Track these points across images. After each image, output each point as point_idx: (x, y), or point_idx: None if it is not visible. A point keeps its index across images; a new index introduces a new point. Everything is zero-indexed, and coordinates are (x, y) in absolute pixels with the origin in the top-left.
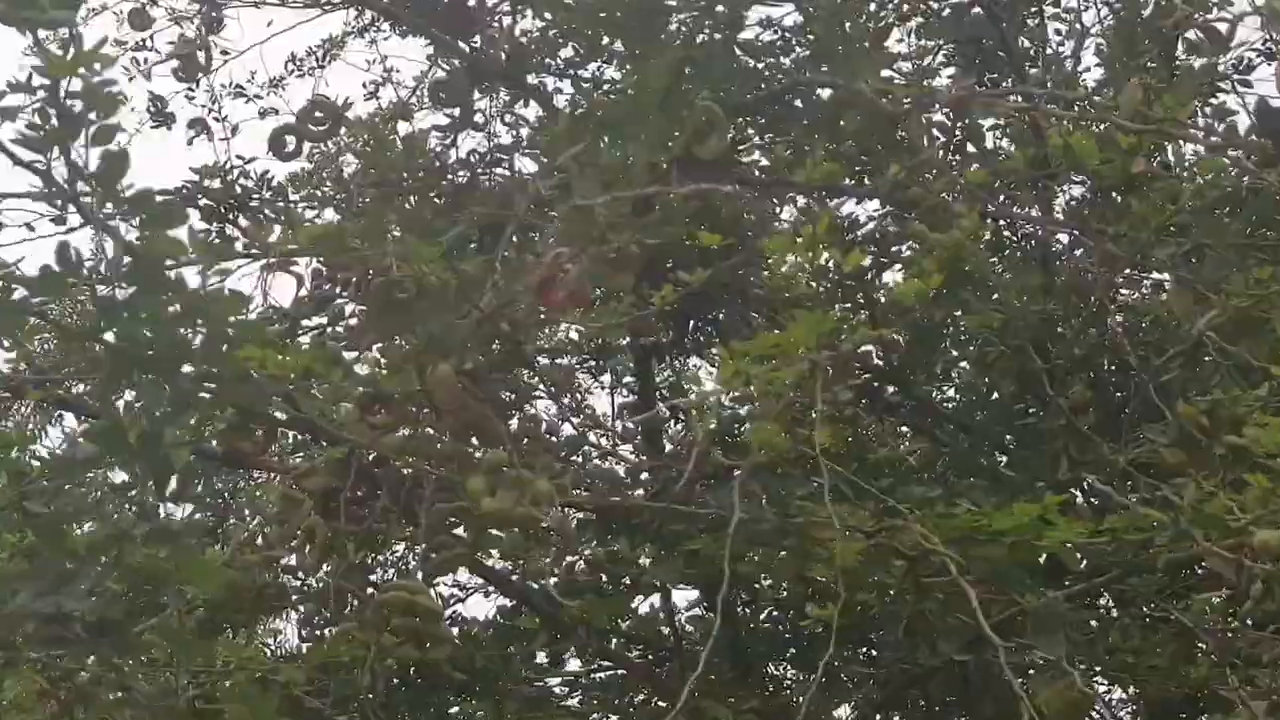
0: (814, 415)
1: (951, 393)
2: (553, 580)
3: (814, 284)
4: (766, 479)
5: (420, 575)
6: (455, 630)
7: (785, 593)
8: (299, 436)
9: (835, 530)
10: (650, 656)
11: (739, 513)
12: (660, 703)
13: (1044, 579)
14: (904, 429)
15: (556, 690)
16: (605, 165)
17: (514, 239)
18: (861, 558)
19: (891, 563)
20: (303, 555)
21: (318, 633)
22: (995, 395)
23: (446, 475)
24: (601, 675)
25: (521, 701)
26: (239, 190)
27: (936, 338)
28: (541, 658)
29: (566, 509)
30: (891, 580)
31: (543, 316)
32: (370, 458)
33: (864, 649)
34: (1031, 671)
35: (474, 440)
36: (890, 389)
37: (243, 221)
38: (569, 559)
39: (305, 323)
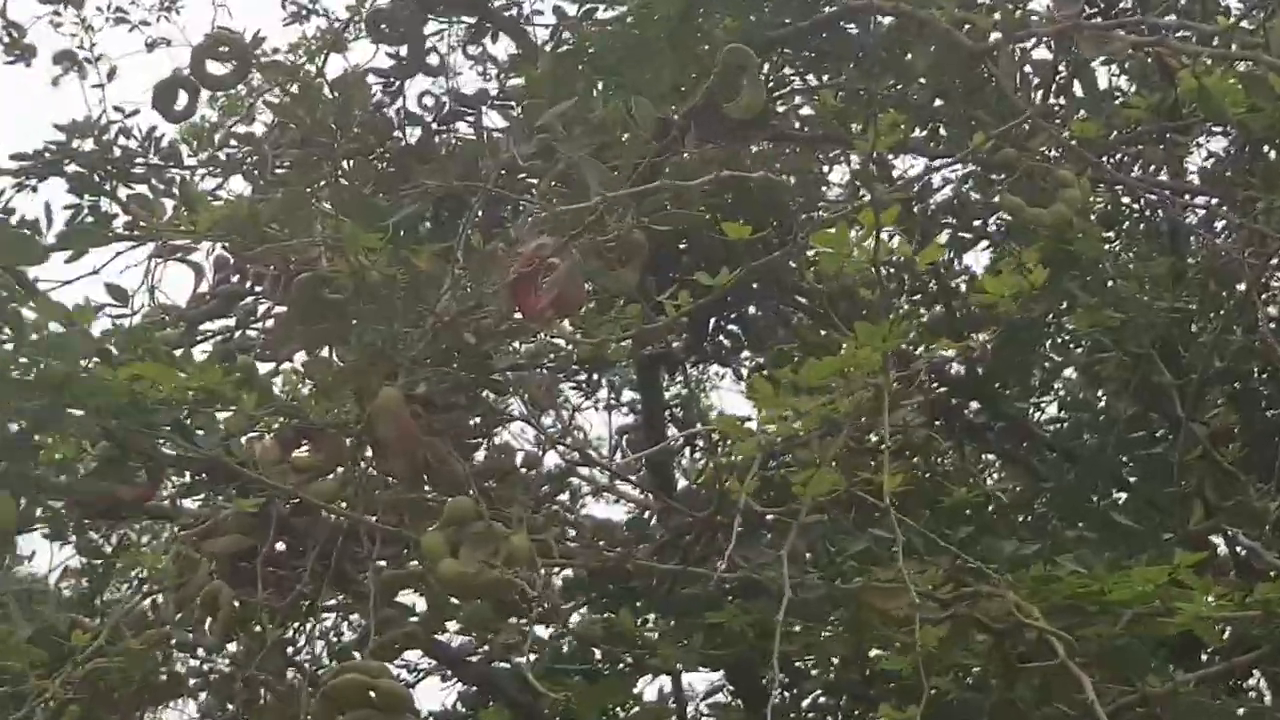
0: (881, 451)
1: (1053, 410)
2: (529, 658)
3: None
4: (811, 531)
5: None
6: None
7: (834, 676)
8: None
9: (906, 600)
10: None
11: (788, 584)
12: None
13: (1171, 656)
14: (990, 458)
15: None
16: (599, 121)
17: (479, 221)
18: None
19: (972, 638)
20: (202, 631)
21: None
22: (1110, 415)
23: (393, 529)
24: None
25: None
26: (118, 153)
27: (1033, 339)
28: None
29: (549, 569)
30: (972, 660)
31: (518, 326)
32: (292, 507)
33: None
34: None
35: (428, 484)
36: (973, 406)
37: (123, 193)
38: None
39: (205, 327)
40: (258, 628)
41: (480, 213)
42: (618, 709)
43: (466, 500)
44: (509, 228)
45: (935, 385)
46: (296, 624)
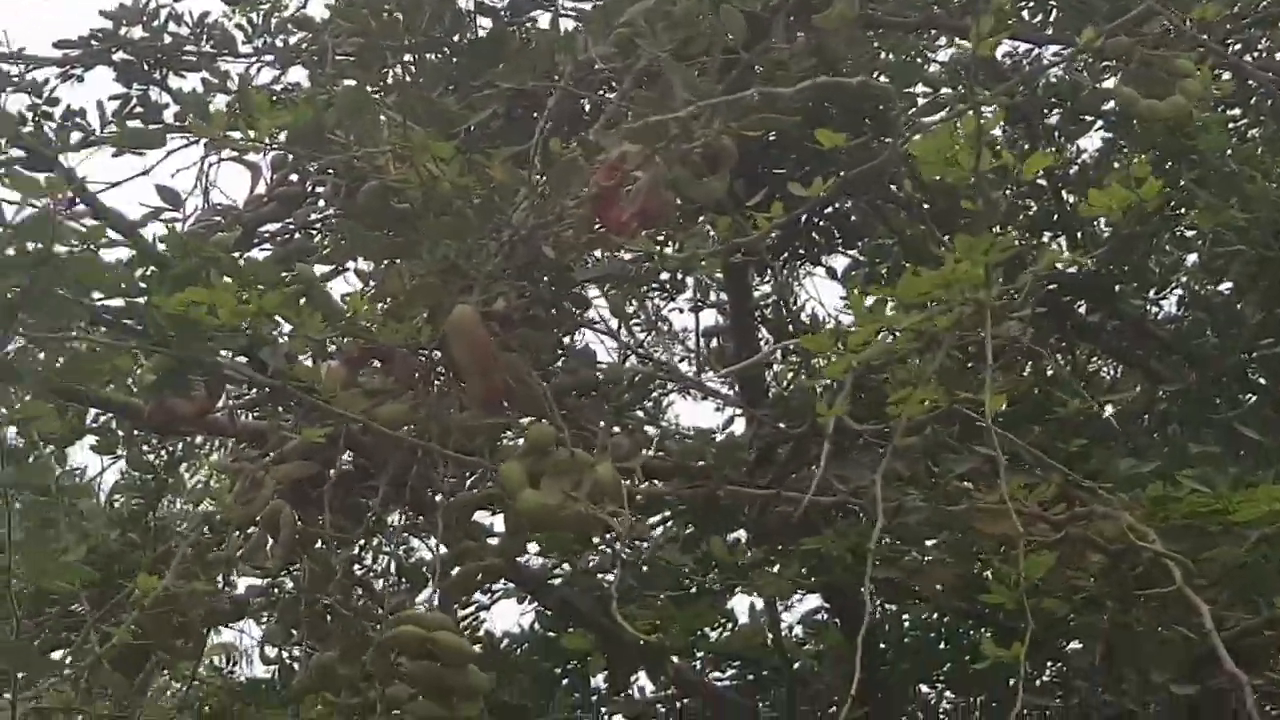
0: (985, 370)
1: (1173, 308)
2: (613, 588)
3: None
4: (910, 450)
5: (435, 595)
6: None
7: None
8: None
9: (1012, 524)
10: (751, 679)
11: (881, 511)
12: None
13: None
14: (1104, 361)
15: None
16: (682, 15)
17: (554, 125)
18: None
19: (1086, 559)
20: (263, 553)
21: (285, 657)
22: (1232, 315)
23: (467, 457)
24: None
25: None
26: (168, 40)
27: (1150, 232)
28: (599, 681)
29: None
30: (1085, 583)
31: (599, 238)
32: (362, 431)
33: (1048, 673)
34: None
35: (507, 407)
36: (1085, 305)
37: (174, 83)
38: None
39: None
40: (321, 548)
41: (555, 117)
42: (707, 629)
43: (547, 427)
44: (589, 133)
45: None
46: (363, 544)
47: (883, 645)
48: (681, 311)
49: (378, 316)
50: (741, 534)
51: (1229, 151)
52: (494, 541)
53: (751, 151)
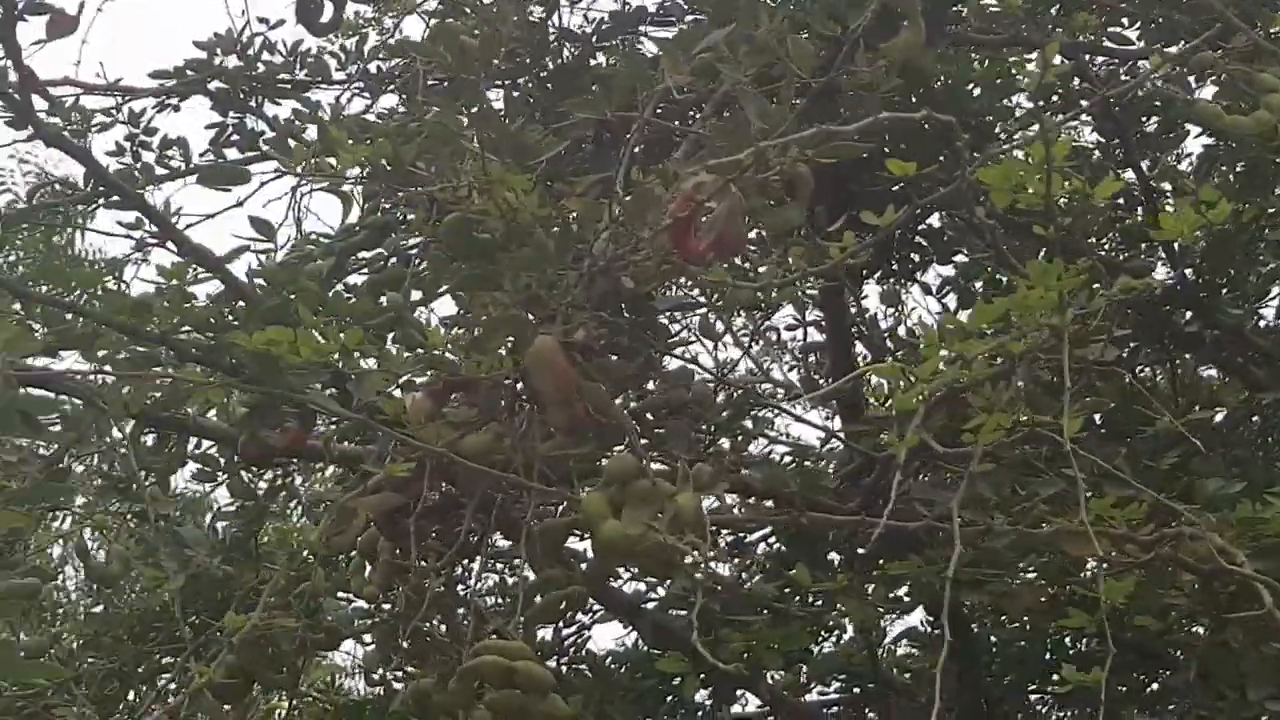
0: (1064, 394)
1: (1275, 316)
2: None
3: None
4: (996, 474)
5: (520, 622)
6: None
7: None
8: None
9: (1097, 547)
10: (855, 692)
11: (958, 536)
12: None
13: None
14: (1207, 370)
15: None
16: (763, 42)
17: (639, 152)
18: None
19: (1179, 578)
20: (360, 580)
21: (389, 678)
22: None
23: (551, 487)
24: None
25: None
26: (262, 69)
27: (1247, 243)
28: (702, 696)
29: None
30: (1179, 600)
31: (676, 268)
32: (448, 462)
33: (1146, 689)
34: None
35: (590, 436)
36: (1186, 315)
37: (270, 110)
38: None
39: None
40: (418, 577)
41: (637, 148)
42: (804, 654)
43: (629, 457)
44: (665, 164)
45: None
46: (460, 569)
47: (986, 658)
48: (777, 333)
49: (461, 349)
50: (835, 557)
51: None
52: (583, 567)
53: (832, 178)
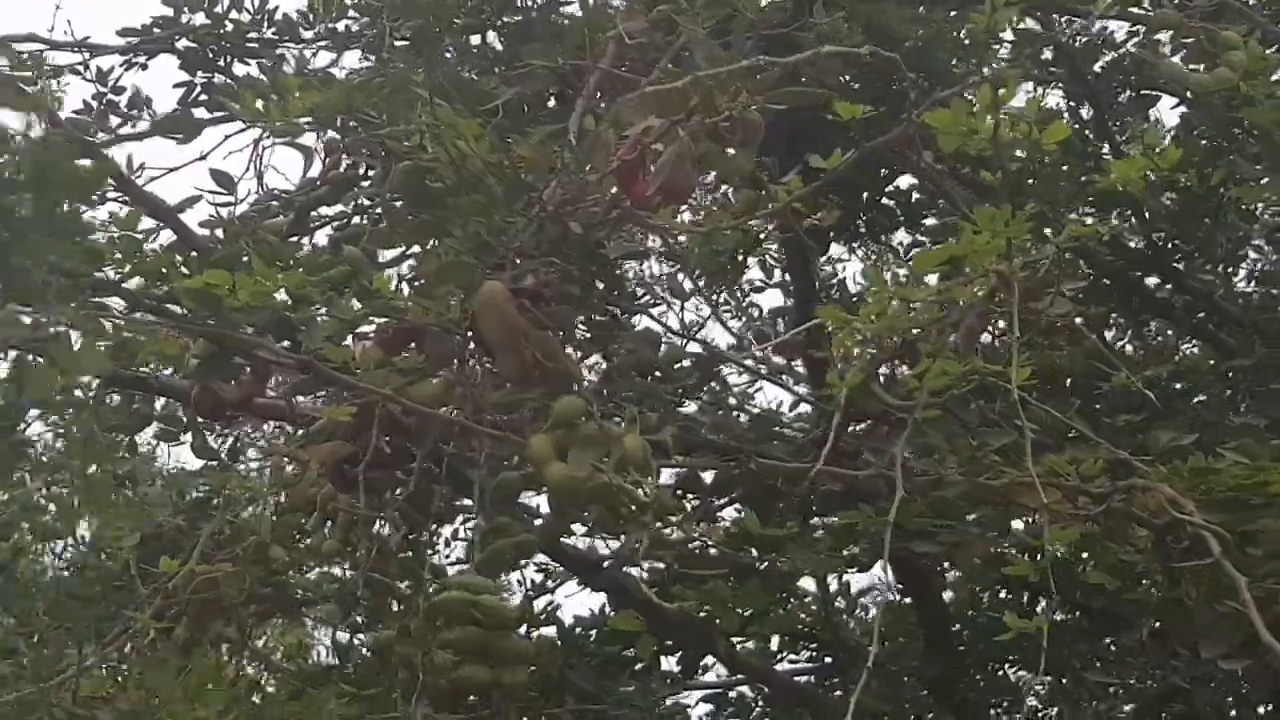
0: (1010, 341)
1: (1244, 282)
2: (641, 567)
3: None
4: (949, 424)
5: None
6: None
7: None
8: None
9: (1054, 497)
10: (827, 661)
11: (900, 481)
12: None
13: None
14: (1174, 334)
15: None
16: None
17: (597, 103)
18: (1089, 532)
19: (1134, 534)
20: (321, 535)
21: (352, 643)
22: None
23: (501, 433)
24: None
25: None
26: (230, 27)
27: (1213, 208)
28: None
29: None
30: (1136, 557)
31: (625, 214)
32: (403, 408)
33: (1105, 650)
34: None
35: (540, 383)
36: (1155, 279)
37: (238, 70)
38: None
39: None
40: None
41: (594, 98)
42: (764, 614)
43: (576, 400)
44: (616, 109)
45: (1110, 258)
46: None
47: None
48: (742, 293)
49: (411, 296)
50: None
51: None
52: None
53: (788, 128)
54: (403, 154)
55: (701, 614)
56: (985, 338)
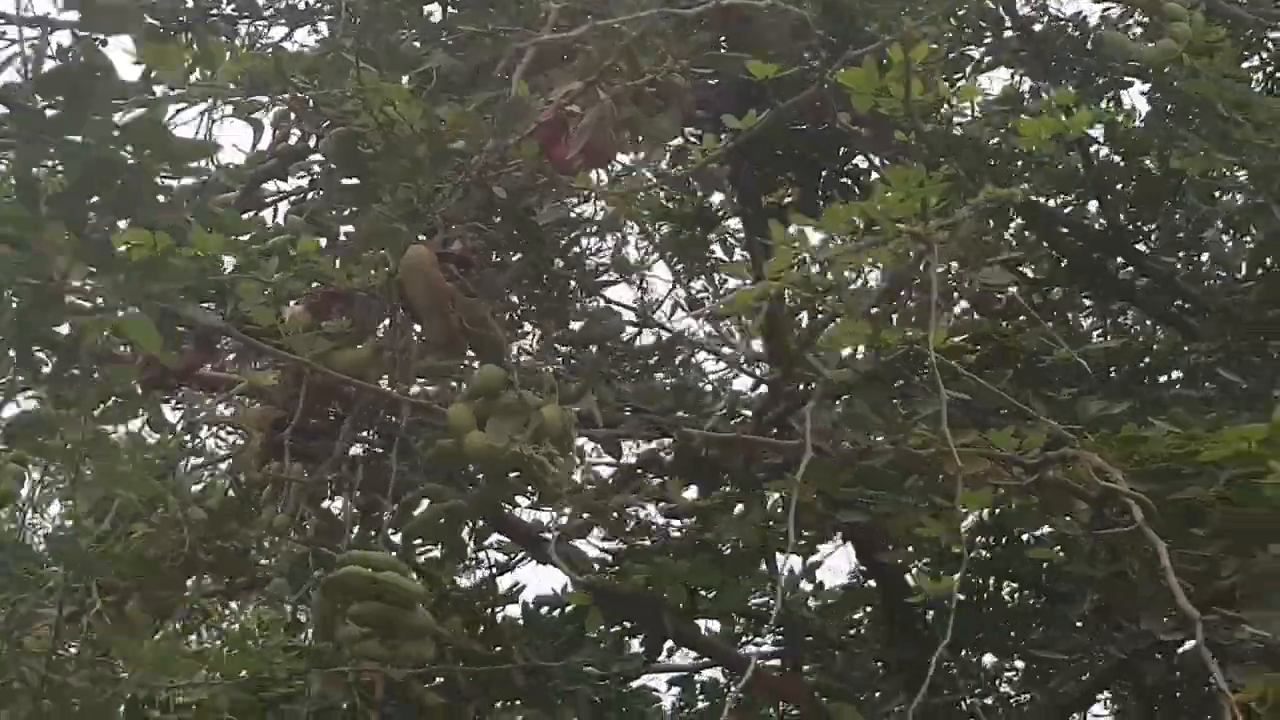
0: (930, 308)
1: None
2: (553, 539)
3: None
4: (877, 396)
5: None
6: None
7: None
8: None
9: (985, 466)
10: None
11: (808, 443)
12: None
13: None
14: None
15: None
16: None
17: (533, 71)
18: (1024, 499)
19: (1074, 507)
20: (271, 510)
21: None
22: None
23: (425, 400)
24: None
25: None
26: (191, 3)
27: (1175, 188)
28: (636, 648)
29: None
30: (1076, 530)
31: (550, 179)
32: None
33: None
34: None
35: (469, 349)
36: (1118, 261)
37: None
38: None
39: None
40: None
41: (525, 62)
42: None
43: (497, 369)
44: (544, 75)
45: (1070, 239)
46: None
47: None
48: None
49: (336, 261)
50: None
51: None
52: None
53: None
54: (337, 121)
55: (648, 585)
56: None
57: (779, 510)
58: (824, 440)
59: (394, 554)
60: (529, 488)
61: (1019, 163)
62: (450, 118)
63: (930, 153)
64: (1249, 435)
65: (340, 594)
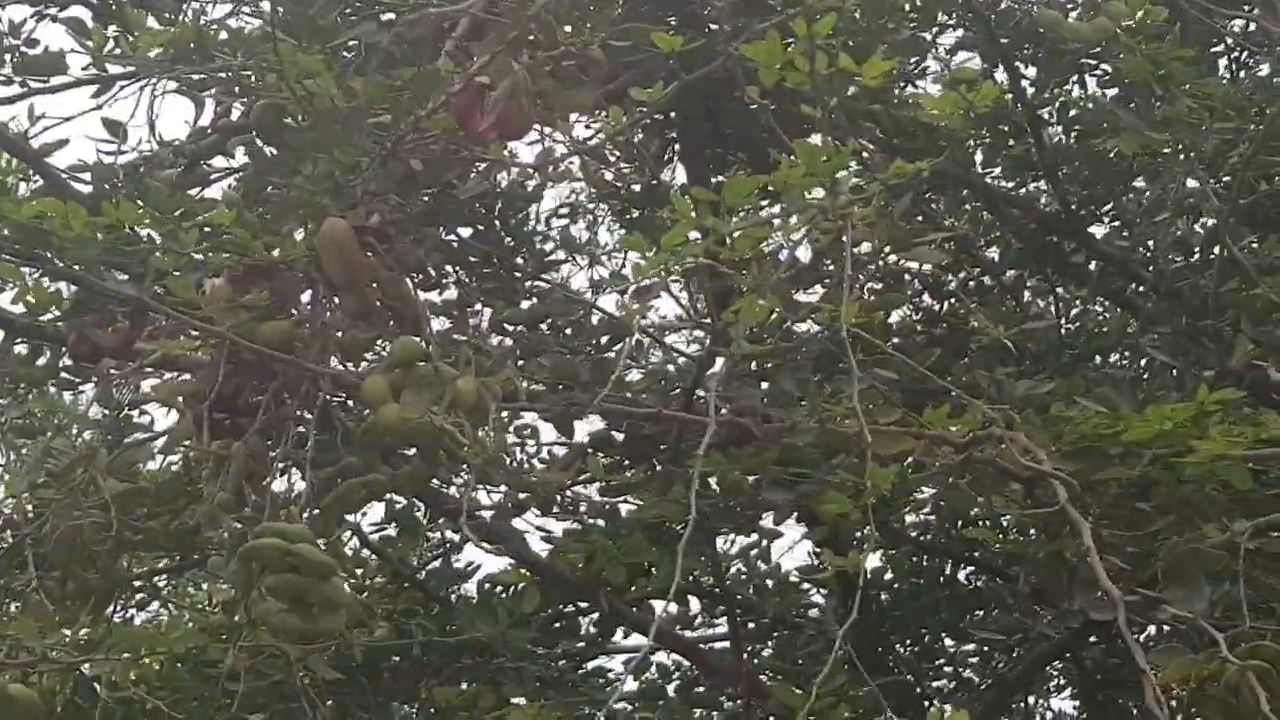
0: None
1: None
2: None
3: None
4: (805, 374)
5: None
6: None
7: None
8: None
9: (912, 445)
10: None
11: (713, 420)
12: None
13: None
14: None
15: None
16: None
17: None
18: (957, 479)
19: (1005, 487)
20: (212, 486)
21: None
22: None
23: (343, 373)
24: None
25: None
26: None
27: (1126, 171)
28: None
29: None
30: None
31: (466, 152)
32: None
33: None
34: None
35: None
36: (1070, 244)
37: (153, 24)
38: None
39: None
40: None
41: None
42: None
43: (413, 341)
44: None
45: (1026, 221)
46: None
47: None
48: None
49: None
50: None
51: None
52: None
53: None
54: (262, 94)
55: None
56: None
57: (714, 489)
58: (749, 417)
59: (351, 533)
60: (464, 465)
61: (970, 144)
62: (365, 90)
63: (884, 135)
64: (1172, 416)
65: (256, 565)
